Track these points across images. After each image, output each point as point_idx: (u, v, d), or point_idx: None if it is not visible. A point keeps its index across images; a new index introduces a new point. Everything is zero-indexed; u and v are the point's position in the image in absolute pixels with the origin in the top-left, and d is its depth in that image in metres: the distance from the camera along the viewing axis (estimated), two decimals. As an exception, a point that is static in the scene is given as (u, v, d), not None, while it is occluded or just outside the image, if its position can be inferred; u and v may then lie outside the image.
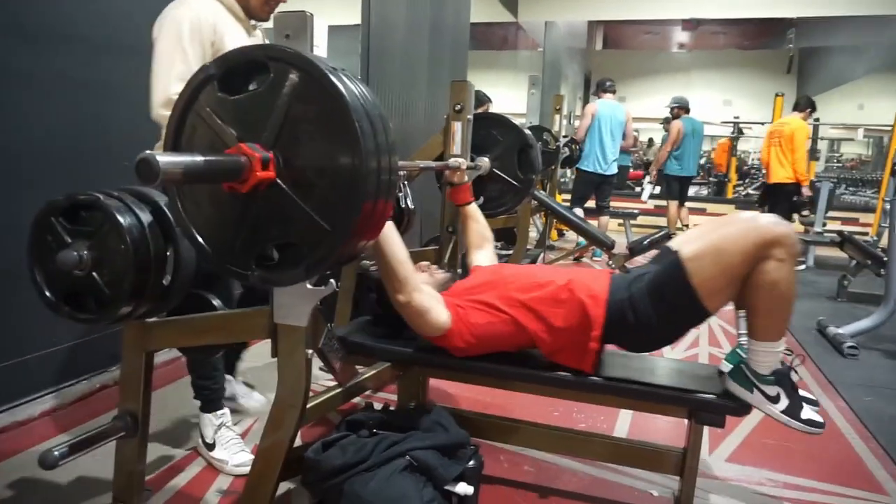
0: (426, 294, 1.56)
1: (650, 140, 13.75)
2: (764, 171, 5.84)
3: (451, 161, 2.14)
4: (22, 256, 1.35)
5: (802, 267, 5.71)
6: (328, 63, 1.10)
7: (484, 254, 2.04)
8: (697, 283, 1.41)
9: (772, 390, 1.45)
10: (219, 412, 1.88)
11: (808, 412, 1.46)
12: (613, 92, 5.59)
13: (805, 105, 5.61)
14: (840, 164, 14.14)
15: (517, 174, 2.57)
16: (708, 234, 1.46)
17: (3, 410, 1.95)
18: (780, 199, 5.57)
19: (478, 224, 2.11)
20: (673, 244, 1.57)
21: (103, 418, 2.01)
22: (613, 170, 5.51)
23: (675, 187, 6.55)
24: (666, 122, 6.49)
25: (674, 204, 6.61)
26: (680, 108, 6.45)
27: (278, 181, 1.10)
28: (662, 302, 1.47)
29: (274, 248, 1.17)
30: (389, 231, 1.50)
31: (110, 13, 2.21)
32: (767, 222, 1.38)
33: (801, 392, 1.52)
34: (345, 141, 1.07)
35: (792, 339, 3.43)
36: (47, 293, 1.33)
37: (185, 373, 2.46)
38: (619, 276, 1.63)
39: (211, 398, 1.88)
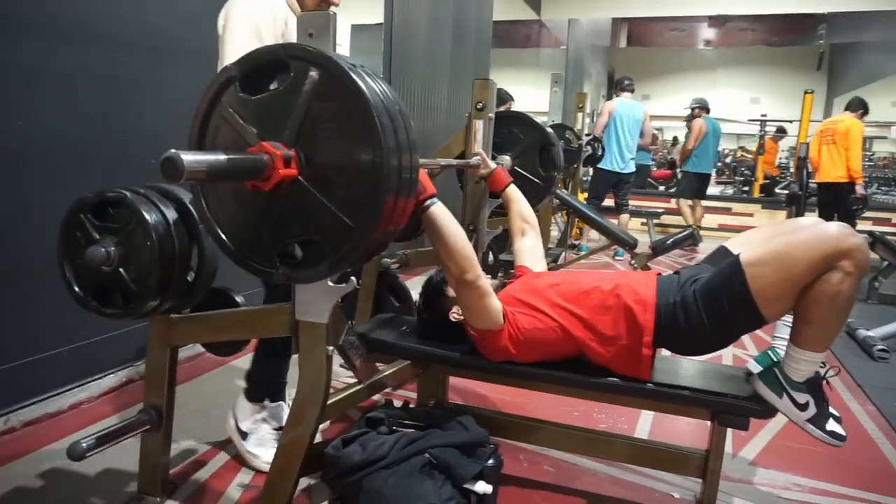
0: (486, 278, 1.55)
1: (675, 138, 13.57)
2: (810, 171, 5.70)
3: (473, 159, 2.13)
4: (49, 252, 1.39)
5: None
6: (347, 60, 1.10)
7: (524, 242, 1.99)
8: (756, 289, 1.36)
9: (802, 398, 1.42)
10: (267, 404, 1.85)
11: (832, 425, 1.44)
12: (632, 91, 5.56)
13: (858, 106, 5.46)
14: (872, 163, 13.80)
15: (539, 172, 2.56)
16: (772, 239, 1.41)
17: (34, 403, 2.00)
18: (834, 198, 5.41)
19: (518, 207, 2.06)
20: (731, 246, 1.54)
21: (129, 412, 2.06)
22: (631, 168, 5.48)
23: (694, 184, 6.51)
24: (689, 119, 6.42)
25: (687, 202, 6.58)
26: (700, 109, 6.42)
27: (300, 178, 1.12)
28: (717, 306, 1.43)
29: (297, 246, 1.19)
30: (444, 213, 1.49)
31: (132, 13, 2.24)
32: (839, 233, 1.32)
33: (830, 408, 1.49)
34: (366, 138, 1.08)
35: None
36: (76, 288, 1.36)
37: (207, 368, 2.51)
38: (666, 277, 1.60)
39: (260, 386, 1.85)
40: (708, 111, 6.47)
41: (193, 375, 2.45)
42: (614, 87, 5.67)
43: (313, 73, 1.09)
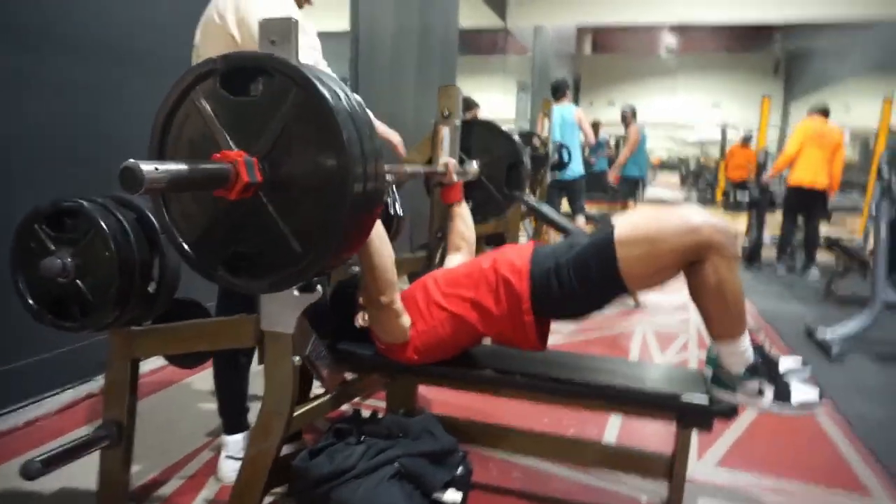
0: (399, 299, 1.57)
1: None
2: (783, 175, 5.71)
3: (440, 166, 2.13)
4: (5, 263, 1.34)
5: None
6: (330, 87, 1.09)
7: (456, 258, 2.03)
8: (624, 267, 1.40)
9: (752, 385, 1.44)
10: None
11: (799, 394, 1.44)
12: (563, 93, 5.47)
13: (826, 111, 5.50)
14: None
15: (503, 189, 2.60)
16: (646, 222, 1.43)
17: (-13, 420, 1.93)
18: (808, 203, 5.38)
19: (462, 225, 2.10)
20: (615, 220, 1.55)
21: (88, 428, 1.99)
22: (574, 174, 5.38)
23: (632, 188, 6.83)
24: (624, 120, 6.56)
25: (631, 203, 6.80)
26: (632, 115, 6.59)
27: (260, 193, 1.10)
28: (587, 276, 1.46)
29: (245, 254, 1.17)
30: (379, 232, 1.49)
31: (112, 21, 2.20)
32: (699, 224, 1.35)
33: (786, 363, 1.49)
34: (334, 172, 1.07)
35: (781, 343, 3.46)
36: (30, 301, 1.32)
37: (171, 380, 2.46)
38: (542, 246, 1.63)
39: (238, 414, 1.80)
40: (635, 116, 6.62)
41: (156, 389, 2.39)
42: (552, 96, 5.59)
43: (296, 92, 1.07)
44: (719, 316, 1.42)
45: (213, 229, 1.16)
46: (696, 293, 1.42)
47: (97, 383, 2.26)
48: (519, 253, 1.60)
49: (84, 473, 1.71)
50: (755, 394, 1.45)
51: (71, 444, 1.41)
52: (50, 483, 1.68)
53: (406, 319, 1.58)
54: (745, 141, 9.86)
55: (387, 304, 1.52)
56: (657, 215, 1.45)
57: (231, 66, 1.11)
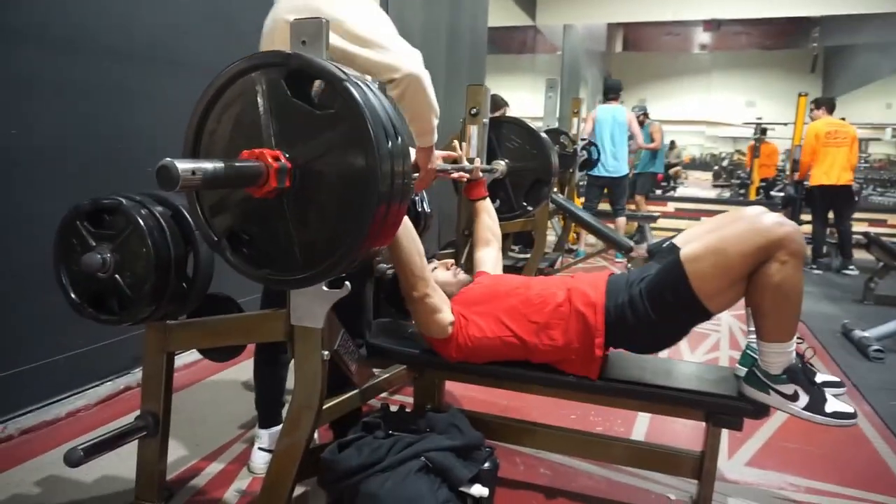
0: (439, 294, 1.59)
1: (672, 143, 13.60)
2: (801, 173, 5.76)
3: (466, 164, 2.15)
4: (45, 260, 1.40)
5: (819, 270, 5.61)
6: (372, 103, 1.10)
7: (488, 252, 2.05)
8: (697, 285, 1.39)
9: (788, 389, 1.42)
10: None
11: (833, 404, 1.42)
12: (615, 98, 5.65)
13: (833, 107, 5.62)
14: (868, 165, 13.86)
15: (521, 200, 2.65)
16: (708, 235, 1.43)
17: (31, 411, 2.00)
18: (845, 201, 5.46)
19: (489, 220, 2.13)
20: (678, 240, 1.55)
21: (126, 419, 2.05)
22: (621, 172, 5.51)
23: (651, 183, 7.12)
24: (645, 116, 6.77)
25: (643, 198, 6.97)
26: (644, 115, 6.72)
27: (283, 200, 1.14)
28: (662, 302, 1.45)
29: (250, 239, 1.22)
30: (407, 228, 1.52)
31: (117, 23, 2.26)
32: (769, 223, 1.34)
33: (823, 377, 1.48)
34: (361, 189, 1.10)
35: (815, 342, 3.38)
36: (72, 295, 1.37)
37: (204, 375, 2.52)
38: (616, 276, 1.62)
39: (273, 407, 1.84)
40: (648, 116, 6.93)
41: (191, 382, 2.46)
42: (603, 95, 5.79)
43: (350, 123, 1.09)
44: (777, 315, 1.39)
45: (227, 201, 1.21)
46: (757, 290, 1.39)
47: (134, 376, 2.33)
48: (594, 284, 1.59)
49: (123, 462, 1.77)
50: (788, 397, 1.43)
51: (110, 434, 1.46)
52: (91, 471, 1.75)
53: (443, 317, 1.58)
54: (762, 134, 9.62)
55: (419, 299, 1.55)
56: (716, 224, 1.45)
57: (301, 66, 1.11)
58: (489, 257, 2.03)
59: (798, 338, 1.44)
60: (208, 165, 0.97)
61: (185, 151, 1.21)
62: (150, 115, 2.36)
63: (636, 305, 1.48)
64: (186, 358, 2.60)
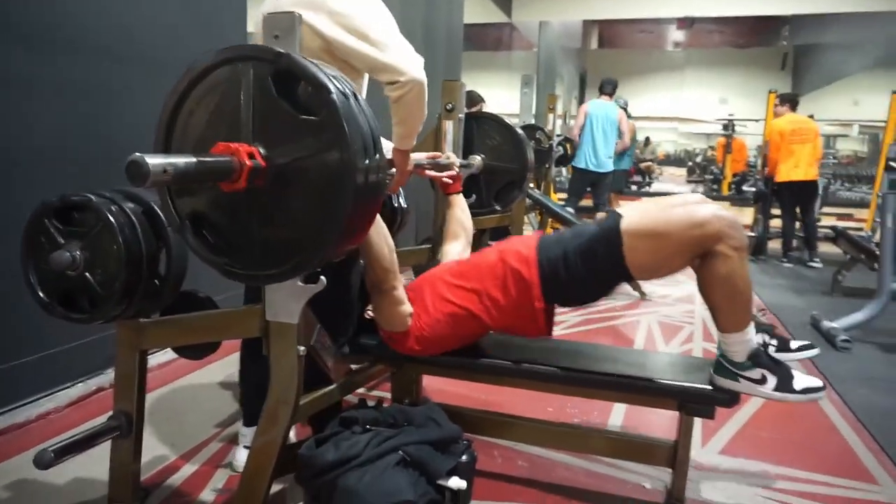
0: (402, 286, 1.62)
1: (647, 139, 13.78)
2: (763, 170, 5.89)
3: (442, 158, 2.15)
4: (13, 258, 1.37)
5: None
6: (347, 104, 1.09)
7: (454, 246, 2.05)
8: (630, 257, 1.43)
9: (755, 374, 1.45)
10: None
11: (801, 380, 1.46)
12: (609, 94, 5.70)
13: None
14: (836, 161, 14.18)
15: (491, 198, 2.67)
16: (654, 214, 1.44)
17: (1, 413, 1.96)
18: (813, 196, 5.60)
19: (461, 214, 2.13)
20: (621, 209, 1.57)
21: (99, 420, 2.02)
22: (607, 168, 5.57)
23: (623, 180, 7.13)
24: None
25: (615, 195, 6.96)
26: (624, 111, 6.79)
27: (251, 197, 1.13)
28: (594, 264, 1.48)
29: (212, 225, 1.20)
30: (377, 223, 1.52)
31: (116, 24, 2.24)
32: (706, 216, 1.37)
33: (797, 342, 1.54)
34: (333, 189, 1.09)
35: (785, 332, 3.45)
36: (41, 294, 1.34)
37: (180, 374, 2.49)
38: (547, 235, 1.65)
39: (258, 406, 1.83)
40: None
41: (166, 382, 2.42)
42: (599, 90, 5.80)
43: (323, 110, 1.08)
44: (727, 308, 1.44)
45: (195, 184, 1.19)
46: (706, 286, 1.44)
47: (107, 377, 2.30)
48: (525, 243, 1.62)
49: (96, 464, 1.74)
50: (757, 381, 1.46)
51: (82, 435, 1.44)
52: (63, 473, 1.71)
53: (406, 308, 1.61)
54: (726, 129, 9.79)
55: (386, 291, 1.57)
56: (664, 207, 1.46)
57: (290, 67, 1.09)
58: (454, 251, 2.03)
59: (759, 310, 1.48)
60: (180, 161, 0.96)
61: (159, 128, 1.18)
62: (149, 116, 2.31)
63: (569, 262, 1.50)
64: (161, 357, 2.57)
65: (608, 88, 5.69)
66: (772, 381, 1.45)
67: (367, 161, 1.10)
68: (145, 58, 2.39)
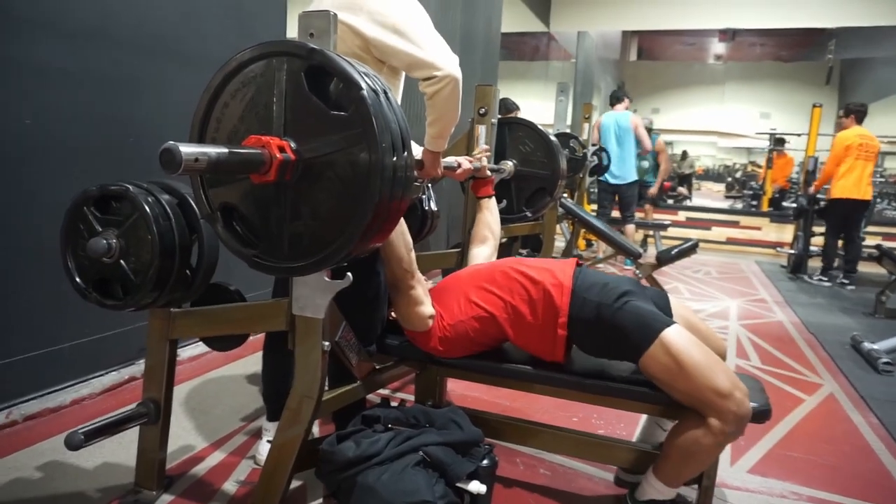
0: (423, 286, 1.63)
1: (684, 153, 13.55)
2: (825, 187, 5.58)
3: (475, 162, 2.15)
4: (54, 248, 1.41)
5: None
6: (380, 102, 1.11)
7: (482, 250, 2.06)
8: (646, 360, 1.44)
9: None
10: None
11: None
12: (620, 101, 5.61)
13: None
14: (883, 179, 13.73)
15: (522, 204, 2.64)
16: (696, 350, 1.42)
17: (36, 397, 2.02)
18: (862, 215, 5.31)
19: (490, 218, 2.14)
20: (673, 308, 1.62)
21: (130, 408, 2.07)
22: (628, 178, 5.49)
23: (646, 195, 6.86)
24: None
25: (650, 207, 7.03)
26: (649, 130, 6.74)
27: (281, 189, 1.15)
28: (617, 333, 1.48)
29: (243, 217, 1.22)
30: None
31: (144, 15, 2.30)
32: (727, 390, 1.36)
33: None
34: (359, 195, 1.11)
35: (823, 353, 3.34)
36: (77, 279, 1.38)
37: (210, 367, 2.54)
38: (587, 270, 1.64)
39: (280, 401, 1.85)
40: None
41: (196, 375, 2.47)
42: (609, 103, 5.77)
43: (353, 107, 1.09)
44: (675, 463, 1.46)
45: (227, 175, 1.21)
46: (676, 433, 1.45)
47: (139, 367, 2.35)
48: (562, 268, 1.62)
49: (125, 450, 1.79)
50: None
51: (111, 419, 1.47)
52: (93, 458, 1.76)
53: (425, 309, 1.62)
54: (778, 143, 9.54)
55: (404, 291, 1.59)
56: (709, 354, 1.44)
57: (323, 63, 1.11)
58: (481, 255, 2.04)
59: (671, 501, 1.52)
60: (212, 151, 0.98)
61: (195, 119, 1.21)
62: (163, 106, 2.39)
63: (601, 314, 1.50)
64: (193, 350, 2.62)
65: (616, 97, 5.62)
66: None
67: (395, 158, 1.10)
68: (181, 54, 2.45)
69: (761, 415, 1.47)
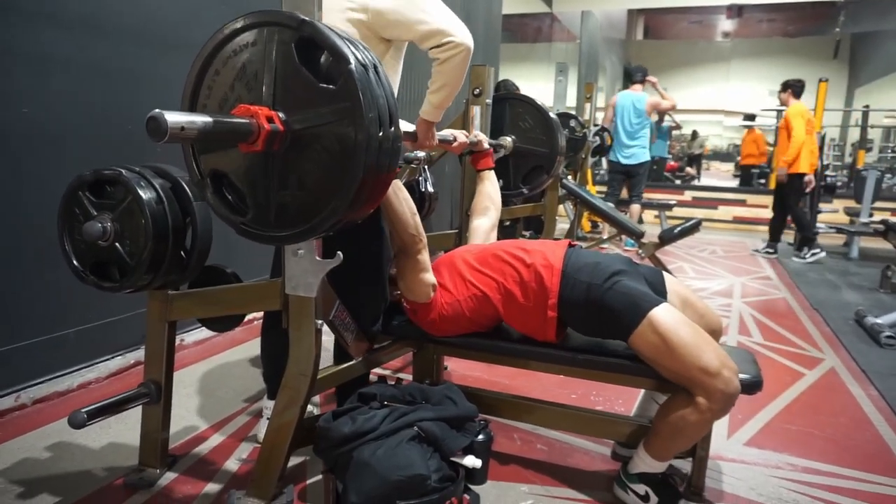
0: (427, 253, 1.64)
1: (694, 133, 13.40)
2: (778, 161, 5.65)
3: (472, 136, 2.15)
4: (53, 235, 1.44)
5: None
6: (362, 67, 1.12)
7: (483, 221, 2.06)
8: (635, 338, 1.45)
9: (640, 489, 1.53)
10: None
11: None
12: (640, 82, 5.57)
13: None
14: (894, 154, 13.54)
15: (518, 181, 2.64)
16: (684, 329, 1.42)
17: (44, 381, 2.07)
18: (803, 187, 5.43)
19: (491, 188, 2.14)
20: (667, 283, 1.63)
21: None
22: (640, 159, 5.48)
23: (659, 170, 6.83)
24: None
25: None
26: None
27: (269, 159, 1.16)
28: (606, 314, 1.49)
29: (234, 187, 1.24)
30: (397, 188, 1.56)
31: (144, 6, 2.31)
32: (721, 374, 1.37)
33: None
34: (345, 165, 1.12)
35: (826, 328, 3.34)
36: (75, 262, 1.41)
37: (216, 351, 2.58)
38: (579, 250, 1.65)
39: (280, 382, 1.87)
40: None
41: (201, 358, 2.51)
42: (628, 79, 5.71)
43: (341, 80, 1.10)
44: (664, 439, 1.49)
45: (217, 144, 1.23)
46: (665, 411, 1.47)
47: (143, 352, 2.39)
48: (553, 250, 1.63)
49: (130, 431, 1.83)
50: (640, 496, 1.54)
51: (113, 399, 1.51)
52: (98, 439, 1.80)
53: (430, 277, 1.63)
54: (747, 119, 9.41)
55: (412, 255, 1.60)
56: (699, 332, 1.44)
57: (313, 35, 1.11)
58: (482, 228, 2.04)
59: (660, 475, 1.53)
60: (198, 119, 0.98)
61: (186, 86, 1.23)
62: (162, 95, 2.39)
63: (590, 295, 1.50)
64: (198, 335, 2.66)
65: (638, 76, 5.57)
66: (654, 499, 1.52)
67: (380, 132, 1.11)
68: (181, 43, 2.46)
69: (752, 386, 1.48)
